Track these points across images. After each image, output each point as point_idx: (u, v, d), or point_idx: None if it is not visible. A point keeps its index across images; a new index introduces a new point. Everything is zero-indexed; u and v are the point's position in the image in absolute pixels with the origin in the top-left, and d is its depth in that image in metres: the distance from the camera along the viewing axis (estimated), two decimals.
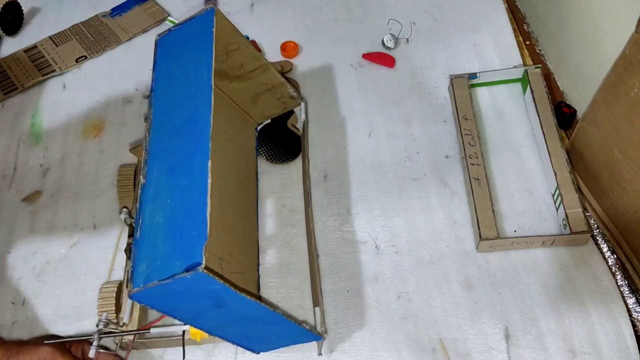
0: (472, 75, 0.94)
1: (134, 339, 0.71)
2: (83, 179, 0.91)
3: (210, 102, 0.64)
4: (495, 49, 1.00)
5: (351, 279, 0.79)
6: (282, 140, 0.90)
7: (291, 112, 0.92)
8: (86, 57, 1.06)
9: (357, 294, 0.78)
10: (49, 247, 0.84)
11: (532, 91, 0.90)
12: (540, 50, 1.03)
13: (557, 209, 0.82)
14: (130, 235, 0.80)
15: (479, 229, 0.78)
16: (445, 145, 0.90)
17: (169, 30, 0.75)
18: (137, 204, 0.63)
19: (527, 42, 1.03)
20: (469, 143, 0.86)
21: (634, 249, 0.77)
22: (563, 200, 0.80)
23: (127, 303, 0.73)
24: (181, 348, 0.71)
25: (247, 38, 0.79)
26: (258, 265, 0.80)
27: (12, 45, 1.09)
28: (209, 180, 0.59)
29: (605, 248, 0.80)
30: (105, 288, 0.74)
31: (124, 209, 0.79)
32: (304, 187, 0.86)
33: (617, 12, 0.78)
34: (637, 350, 0.71)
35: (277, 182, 0.88)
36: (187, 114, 0.66)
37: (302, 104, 0.91)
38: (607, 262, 0.78)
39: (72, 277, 0.81)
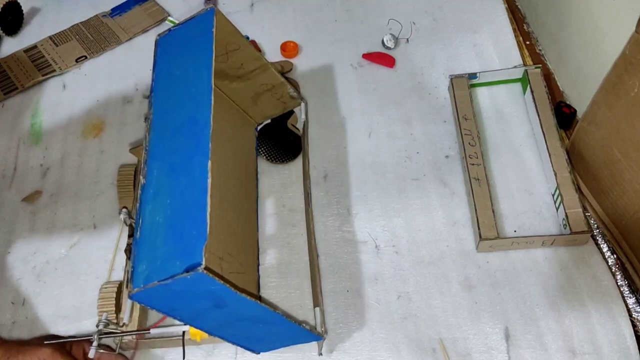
0: (472, 75, 0.94)
1: (138, 339, 0.71)
2: (83, 179, 0.91)
3: (210, 102, 0.64)
4: (495, 49, 1.00)
5: (351, 279, 0.79)
6: (282, 140, 0.90)
7: (291, 112, 0.92)
8: (86, 57, 1.06)
9: (357, 294, 0.78)
10: (49, 247, 0.84)
11: (532, 91, 0.90)
12: (540, 50, 1.03)
13: (557, 209, 0.82)
14: (130, 235, 0.80)
15: (479, 229, 0.78)
16: (445, 145, 0.90)
17: (169, 30, 0.75)
18: (137, 204, 0.63)
19: (527, 42, 1.03)
20: (469, 143, 0.86)
21: (634, 249, 0.77)
22: (563, 200, 0.80)
23: (127, 303, 0.73)
24: (181, 348, 0.71)
25: (247, 38, 0.79)
26: (258, 265, 0.80)
27: (12, 45, 1.09)
28: (209, 180, 0.59)
29: (605, 248, 0.80)
30: (105, 288, 0.74)
31: (124, 209, 0.79)
32: (304, 187, 0.86)
33: (617, 12, 0.78)
34: (637, 350, 0.71)
35: (277, 182, 0.88)
36: (187, 114, 0.66)
37: (302, 104, 0.91)
38: (607, 262, 0.78)
39: (72, 277, 0.81)
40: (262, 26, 1.08)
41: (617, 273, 0.78)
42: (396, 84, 0.98)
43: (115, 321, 0.72)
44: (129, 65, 1.04)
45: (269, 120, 0.92)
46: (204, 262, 0.53)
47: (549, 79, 0.98)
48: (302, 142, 0.88)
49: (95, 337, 0.69)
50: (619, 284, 0.77)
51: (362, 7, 1.09)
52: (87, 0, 1.15)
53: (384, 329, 0.75)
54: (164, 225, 0.60)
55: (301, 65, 1.02)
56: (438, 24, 1.05)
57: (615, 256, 0.79)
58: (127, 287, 0.75)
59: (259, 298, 0.78)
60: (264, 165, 0.90)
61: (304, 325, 0.67)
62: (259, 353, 0.72)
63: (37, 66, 1.04)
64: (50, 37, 1.09)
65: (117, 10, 1.13)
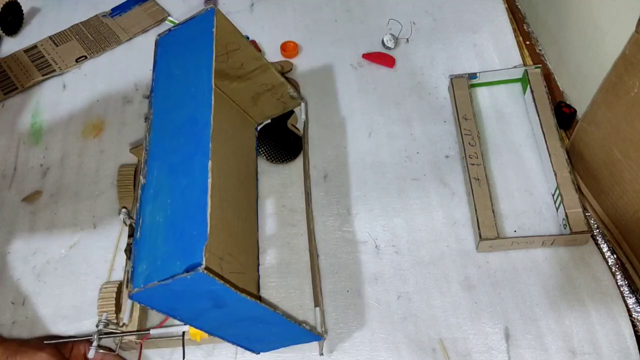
0: (472, 75, 0.94)
1: (142, 340, 0.71)
2: (83, 179, 0.91)
3: (211, 102, 0.64)
4: (495, 49, 1.00)
5: (351, 279, 0.79)
6: (282, 140, 0.90)
7: (291, 112, 0.92)
8: (86, 57, 1.06)
9: (357, 294, 0.78)
10: (49, 247, 0.84)
11: (532, 91, 0.90)
12: (540, 50, 1.03)
13: (557, 209, 0.82)
14: (130, 235, 0.80)
15: (479, 229, 0.79)
16: (445, 145, 0.90)
17: (169, 30, 0.75)
18: (137, 204, 0.63)
19: (527, 42, 1.03)
20: (469, 143, 0.86)
21: (634, 249, 0.77)
22: (563, 200, 0.80)
23: (127, 303, 0.73)
24: (181, 348, 0.71)
25: (247, 38, 0.79)
26: (258, 265, 0.80)
27: (12, 45, 1.09)
28: (209, 180, 0.59)
29: (605, 248, 0.80)
30: (105, 288, 0.74)
31: (123, 209, 0.79)
32: (304, 187, 0.86)
33: (617, 12, 0.78)
34: (637, 350, 0.71)
35: (277, 182, 0.88)
36: (187, 114, 0.66)
37: (302, 104, 0.91)
38: (607, 262, 0.78)
39: (72, 277, 0.81)
40: (262, 26, 1.08)
41: (617, 273, 0.78)
42: (396, 84, 0.98)
43: (115, 321, 0.72)
44: (129, 65, 1.04)
45: (269, 120, 0.92)
46: (204, 262, 0.53)
47: (549, 79, 0.98)
48: (302, 142, 0.88)
49: (95, 337, 0.69)
50: (619, 284, 0.77)
51: (362, 7, 1.09)
52: (87, 0, 1.15)
53: (384, 329, 0.75)
54: (164, 225, 0.60)
55: (301, 65, 1.02)
56: (438, 24, 1.05)
57: (615, 256, 0.79)
58: (127, 287, 0.75)
59: (259, 298, 0.78)
60: (264, 165, 0.90)
61: (304, 325, 0.67)
62: (259, 353, 0.72)
63: (37, 66, 1.04)
64: (50, 37, 1.09)
65: (117, 10, 1.13)
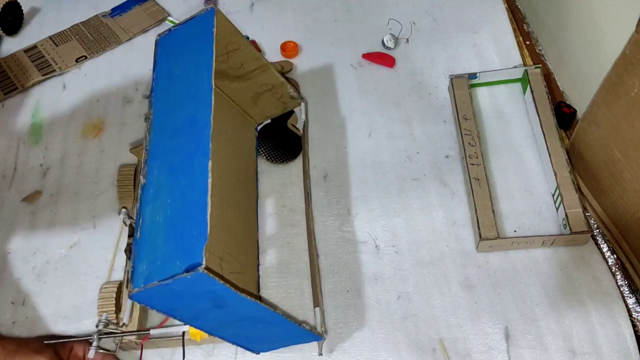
0: (472, 75, 0.94)
1: (143, 340, 0.71)
2: (83, 179, 0.91)
3: (211, 102, 0.64)
4: (495, 49, 1.00)
5: (351, 279, 0.79)
6: (282, 140, 0.90)
7: (291, 112, 0.92)
8: (86, 57, 1.06)
9: (357, 294, 0.78)
10: (49, 247, 0.84)
11: (532, 91, 0.90)
12: (540, 50, 1.03)
13: (557, 209, 0.82)
14: (130, 235, 0.80)
15: (479, 229, 0.78)
16: (445, 145, 0.90)
17: (169, 30, 0.75)
18: (138, 204, 0.63)
19: (527, 42, 1.03)
20: (469, 143, 0.86)
21: (634, 249, 0.77)
22: (563, 200, 0.80)
23: (127, 303, 0.73)
24: (181, 348, 0.71)
25: (247, 38, 0.79)
26: (258, 265, 0.80)
27: (12, 45, 1.09)
28: (209, 180, 0.59)
29: (605, 248, 0.80)
30: (105, 288, 0.74)
31: (123, 209, 0.79)
32: (304, 187, 0.86)
33: (617, 12, 0.78)
34: (637, 350, 0.71)
35: (277, 182, 0.88)
36: (187, 114, 0.66)
37: (302, 104, 0.91)
38: (607, 262, 0.78)
39: (72, 277, 0.81)
40: (262, 26, 1.08)
41: (617, 273, 0.78)
42: (396, 84, 0.98)
43: (115, 321, 0.72)
44: (129, 65, 1.04)
45: (269, 120, 0.92)
46: (204, 262, 0.53)
47: (549, 79, 0.98)
48: (302, 142, 0.88)
49: (95, 337, 0.69)
50: (619, 284, 0.77)
51: (362, 7, 1.09)
52: (87, 0, 1.15)
53: (384, 329, 0.75)
54: (164, 225, 0.60)
55: (301, 65, 1.02)
56: (438, 24, 1.05)
57: (615, 256, 0.79)
58: (127, 287, 0.75)
59: (259, 298, 0.78)
60: (264, 165, 0.90)
61: (304, 325, 0.67)
62: (259, 353, 0.72)
63: (37, 66, 1.04)
64: (50, 37, 1.09)
65: (117, 10, 1.13)
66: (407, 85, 0.98)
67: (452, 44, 1.02)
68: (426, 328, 0.74)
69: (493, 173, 0.87)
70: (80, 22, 1.11)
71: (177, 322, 0.67)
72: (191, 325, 0.65)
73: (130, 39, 1.08)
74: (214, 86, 0.65)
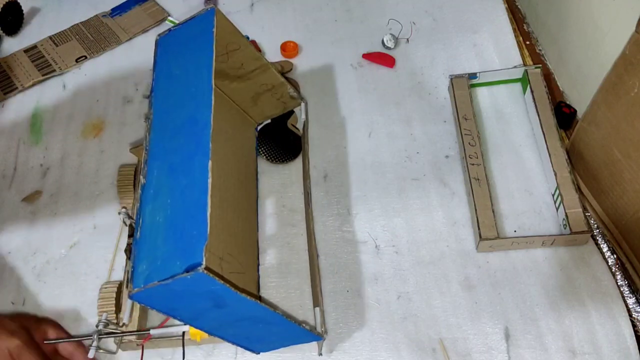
0: (472, 75, 0.94)
1: (144, 341, 0.71)
2: (83, 179, 0.91)
3: (211, 102, 0.64)
4: (495, 49, 1.00)
5: (351, 279, 0.79)
6: (282, 140, 0.90)
7: (291, 112, 0.92)
8: (86, 57, 1.06)
9: (357, 294, 0.78)
10: (49, 247, 0.84)
11: (532, 91, 0.90)
12: (540, 50, 1.03)
13: (557, 209, 0.82)
14: (130, 235, 0.80)
15: (479, 229, 0.78)
16: (445, 145, 0.90)
17: (169, 30, 0.75)
18: (137, 204, 0.63)
19: (527, 42, 1.04)
20: (469, 143, 0.87)
21: (634, 249, 0.77)
22: (563, 200, 0.80)
23: (127, 303, 0.73)
24: (181, 348, 0.71)
25: (247, 38, 0.79)
26: (258, 265, 0.80)
27: (12, 45, 1.09)
28: (209, 180, 0.59)
29: (605, 248, 0.80)
30: (105, 288, 0.74)
31: (123, 209, 0.79)
32: (304, 187, 0.86)
33: (617, 12, 0.78)
34: (637, 350, 0.71)
35: (277, 182, 0.88)
36: (187, 114, 0.66)
37: (302, 104, 0.91)
38: (607, 262, 0.78)
39: (72, 277, 0.81)
40: (262, 26, 1.08)
41: (617, 273, 0.78)
42: (396, 84, 0.98)
43: (115, 321, 0.72)
44: (129, 65, 1.04)
45: (269, 120, 0.92)
46: (204, 262, 0.53)
47: (549, 79, 0.98)
48: (302, 142, 0.88)
49: (95, 337, 0.69)
50: (619, 284, 0.77)
51: (362, 7, 1.09)
52: (87, 0, 1.15)
53: (384, 329, 0.75)
54: (164, 225, 0.60)
55: (301, 65, 1.02)
56: (438, 24, 1.05)
57: (615, 256, 0.79)
58: (127, 287, 0.75)
59: (259, 298, 0.78)
60: (264, 165, 0.90)
61: (304, 325, 0.67)
62: (259, 353, 0.72)
63: (37, 66, 1.04)
64: (50, 37, 1.09)
65: (117, 10, 1.13)
66: (407, 85, 0.98)
67: (452, 44, 1.02)
68: (426, 328, 0.74)
69: (493, 173, 0.87)
70: (80, 22, 1.11)
71: (177, 322, 0.67)
72: (191, 325, 0.65)
73: (130, 39, 1.08)
74: (214, 86, 0.65)
